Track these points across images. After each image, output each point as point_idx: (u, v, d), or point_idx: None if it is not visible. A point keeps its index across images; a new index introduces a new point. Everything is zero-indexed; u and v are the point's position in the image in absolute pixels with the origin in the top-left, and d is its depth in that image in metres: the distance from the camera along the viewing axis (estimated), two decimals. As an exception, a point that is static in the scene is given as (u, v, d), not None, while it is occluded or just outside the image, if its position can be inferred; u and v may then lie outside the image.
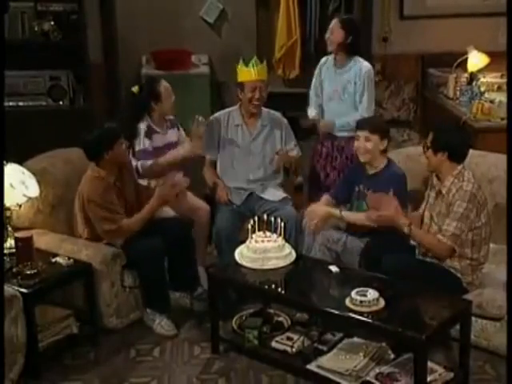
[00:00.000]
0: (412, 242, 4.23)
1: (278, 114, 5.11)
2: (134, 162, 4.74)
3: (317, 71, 5.18)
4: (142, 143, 4.79)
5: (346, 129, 4.95)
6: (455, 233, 3.92)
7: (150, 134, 4.83)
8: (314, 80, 5.21)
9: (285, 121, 5.11)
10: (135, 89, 4.90)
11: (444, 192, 4.02)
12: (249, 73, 4.86)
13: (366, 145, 4.38)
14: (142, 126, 4.83)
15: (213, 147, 5.02)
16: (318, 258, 4.39)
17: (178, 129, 5.02)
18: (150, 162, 4.76)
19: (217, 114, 5.12)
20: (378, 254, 4.11)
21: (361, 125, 4.47)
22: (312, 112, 5.19)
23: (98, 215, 4.32)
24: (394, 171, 4.41)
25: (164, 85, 4.85)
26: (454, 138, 4.06)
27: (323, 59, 5.18)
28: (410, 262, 4.13)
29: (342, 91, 5.00)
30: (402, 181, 4.37)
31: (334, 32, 4.94)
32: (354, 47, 4.97)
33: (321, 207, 4.48)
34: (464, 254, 4.01)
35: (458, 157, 4.03)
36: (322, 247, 4.45)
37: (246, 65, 4.87)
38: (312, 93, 5.22)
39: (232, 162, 4.99)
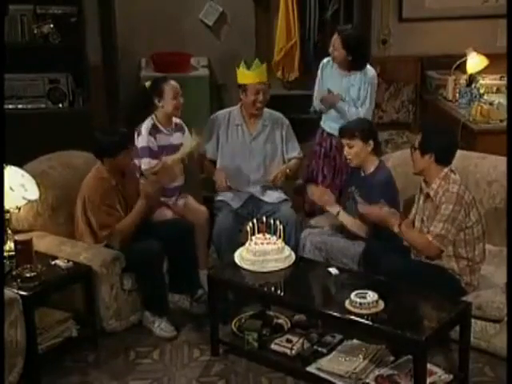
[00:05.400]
0: (406, 243, 4.24)
1: (279, 115, 5.11)
2: (136, 160, 4.73)
3: (319, 71, 5.12)
4: (146, 141, 4.78)
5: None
6: (441, 233, 3.93)
7: (154, 132, 4.83)
8: (317, 80, 5.15)
9: (286, 121, 5.10)
10: (148, 83, 4.92)
11: (432, 195, 4.03)
12: (251, 75, 4.86)
13: (350, 151, 4.45)
14: (146, 125, 4.83)
15: (212, 146, 5.02)
16: (317, 261, 4.39)
17: (184, 133, 5.01)
18: (154, 162, 4.75)
19: (217, 113, 5.13)
20: (376, 255, 4.12)
21: (340, 133, 4.55)
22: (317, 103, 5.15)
23: (95, 218, 4.34)
24: (383, 177, 4.42)
25: (171, 83, 4.84)
26: (442, 141, 4.06)
27: (325, 59, 5.10)
28: (409, 263, 4.14)
29: (344, 93, 4.97)
30: (389, 187, 4.39)
31: (337, 50, 4.90)
32: (358, 63, 4.92)
33: (327, 193, 4.57)
34: (459, 255, 4.02)
35: (444, 159, 4.03)
36: (312, 247, 4.46)
37: (248, 67, 4.87)
38: (316, 91, 5.16)
39: (232, 162, 4.99)
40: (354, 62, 4.91)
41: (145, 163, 4.75)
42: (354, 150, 4.42)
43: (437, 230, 3.94)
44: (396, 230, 4.03)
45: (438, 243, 3.95)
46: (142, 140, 4.78)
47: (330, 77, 5.06)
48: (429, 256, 4.05)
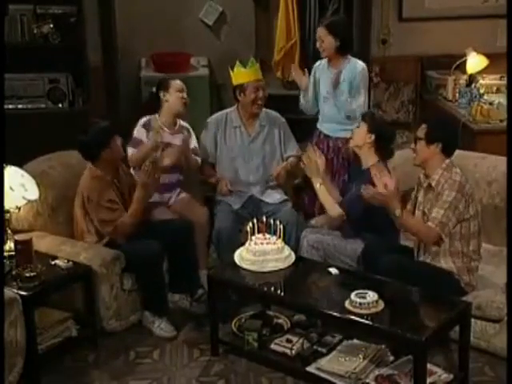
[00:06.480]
0: (409, 244, 4.24)
1: (275, 114, 5.12)
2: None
3: (312, 74, 5.17)
4: (137, 131, 4.86)
5: (342, 128, 4.94)
6: (443, 221, 3.92)
7: (148, 125, 4.88)
8: (310, 82, 5.18)
9: (283, 120, 5.12)
10: (154, 88, 5.08)
11: (433, 185, 4.02)
12: (248, 74, 4.88)
13: (354, 129, 4.51)
14: (144, 119, 4.93)
15: (211, 149, 5.02)
16: (317, 260, 4.39)
17: (190, 135, 5.02)
18: (131, 151, 4.82)
19: (214, 116, 5.14)
20: (376, 255, 4.12)
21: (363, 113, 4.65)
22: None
23: (98, 217, 4.35)
24: None
25: (176, 80, 4.96)
26: (448, 130, 4.11)
27: (317, 63, 5.17)
28: (409, 263, 4.14)
29: (336, 89, 4.97)
30: None
31: (324, 40, 4.94)
32: (346, 46, 4.98)
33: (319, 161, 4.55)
34: (455, 248, 4.01)
35: (450, 149, 4.05)
36: (309, 248, 4.47)
37: (245, 66, 4.89)
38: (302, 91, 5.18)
39: (232, 164, 4.99)
40: (343, 46, 4.94)
41: (128, 152, 4.82)
42: (356, 131, 4.49)
43: (438, 216, 3.92)
44: (397, 213, 3.96)
45: (439, 230, 3.93)
46: (135, 131, 4.88)
47: (322, 76, 5.08)
48: (426, 242, 4.04)
